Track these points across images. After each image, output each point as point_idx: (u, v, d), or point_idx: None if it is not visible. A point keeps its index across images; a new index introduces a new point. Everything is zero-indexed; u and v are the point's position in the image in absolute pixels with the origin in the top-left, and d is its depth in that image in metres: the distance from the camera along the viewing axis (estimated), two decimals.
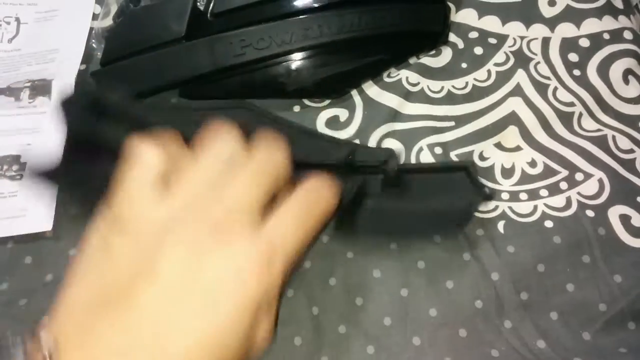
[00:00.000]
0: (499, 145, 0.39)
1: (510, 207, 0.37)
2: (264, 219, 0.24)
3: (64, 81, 0.41)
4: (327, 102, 0.40)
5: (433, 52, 0.42)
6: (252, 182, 0.24)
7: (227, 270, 0.22)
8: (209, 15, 0.39)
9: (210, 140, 0.26)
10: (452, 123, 0.39)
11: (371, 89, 0.40)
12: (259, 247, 0.22)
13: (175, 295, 0.21)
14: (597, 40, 0.41)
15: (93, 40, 0.44)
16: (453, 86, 0.40)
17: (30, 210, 0.36)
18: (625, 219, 0.36)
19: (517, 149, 0.39)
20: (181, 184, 0.24)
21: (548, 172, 0.38)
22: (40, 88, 0.41)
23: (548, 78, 0.40)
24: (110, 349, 0.20)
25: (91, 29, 0.44)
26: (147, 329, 0.21)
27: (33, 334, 0.21)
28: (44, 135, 0.37)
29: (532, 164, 0.38)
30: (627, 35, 0.41)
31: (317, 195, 0.26)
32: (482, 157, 0.38)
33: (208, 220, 0.23)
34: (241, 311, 0.22)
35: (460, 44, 0.42)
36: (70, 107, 0.32)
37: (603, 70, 0.40)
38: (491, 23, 0.42)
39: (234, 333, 0.21)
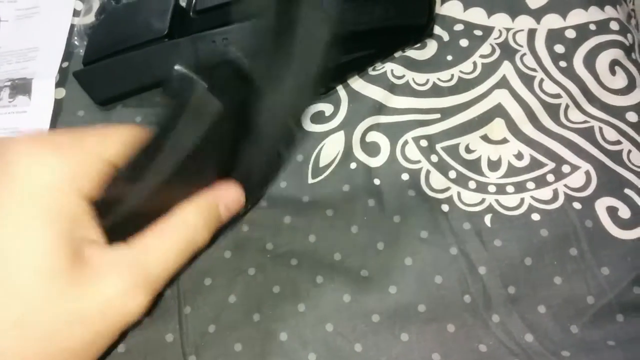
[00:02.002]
0: (485, 138, 0.38)
1: (497, 200, 0.37)
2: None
3: (44, 80, 0.40)
4: None
5: (418, 45, 0.41)
6: None
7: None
8: (191, 12, 0.39)
9: None
10: (438, 115, 0.39)
11: (356, 82, 0.40)
12: None
13: None
14: (583, 31, 0.41)
15: (75, 38, 0.43)
16: (438, 78, 0.40)
17: None
18: (612, 211, 0.36)
19: (504, 141, 0.38)
20: None
21: (534, 164, 0.37)
22: (21, 87, 0.40)
23: (534, 70, 0.40)
24: None
25: (72, 26, 0.43)
26: None
27: None
28: None
29: (519, 156, 0.38)
30: (614, 25, 0.41)
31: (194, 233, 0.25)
32: (468, 150, 0.38)
33: None
34: None
35: (446, 37, 0.41)
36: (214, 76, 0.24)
37: (589, 61, 0.40)
38: (476, 15, 0.42)
39: None
